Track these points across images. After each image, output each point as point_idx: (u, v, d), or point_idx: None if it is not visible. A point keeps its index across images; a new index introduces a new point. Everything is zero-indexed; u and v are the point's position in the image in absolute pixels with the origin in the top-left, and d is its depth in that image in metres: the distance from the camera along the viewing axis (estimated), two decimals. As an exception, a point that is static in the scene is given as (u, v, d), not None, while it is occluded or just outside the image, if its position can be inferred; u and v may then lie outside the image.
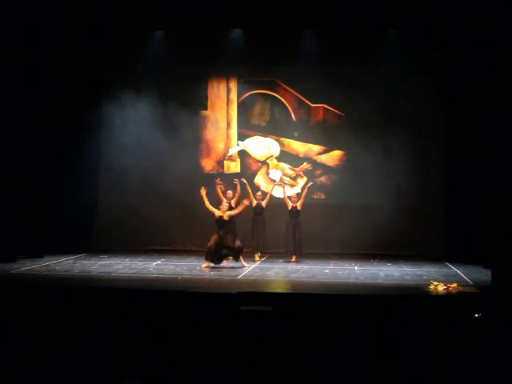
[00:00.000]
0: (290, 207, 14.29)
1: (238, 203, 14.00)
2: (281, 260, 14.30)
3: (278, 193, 15.21)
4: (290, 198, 14.44)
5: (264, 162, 16.26)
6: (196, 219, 15.70)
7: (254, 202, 14.47)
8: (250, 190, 14.53)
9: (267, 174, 16.18)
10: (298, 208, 14.25)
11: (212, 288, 11.01)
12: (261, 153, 16.26)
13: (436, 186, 15.39)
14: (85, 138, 15.44)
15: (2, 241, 13.56)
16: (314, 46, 15.54)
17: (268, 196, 14.61)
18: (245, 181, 14.73)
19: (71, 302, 9.73)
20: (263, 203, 14.47)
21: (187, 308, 9.45)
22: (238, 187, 14.31)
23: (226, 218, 13.21)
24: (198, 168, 16.28)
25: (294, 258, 14.23)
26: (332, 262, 14.24)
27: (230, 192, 14.44)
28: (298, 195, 14.56)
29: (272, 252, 14.69)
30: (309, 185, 14.53)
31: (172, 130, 15.58)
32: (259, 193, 14.77)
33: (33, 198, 14.29)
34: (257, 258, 14.42)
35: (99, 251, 15.31)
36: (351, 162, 15.82)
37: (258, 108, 16.31)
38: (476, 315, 9.11)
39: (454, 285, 11.09)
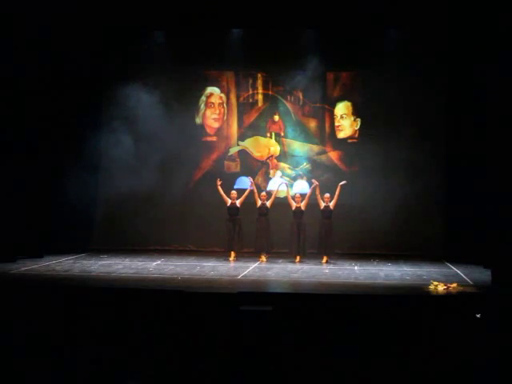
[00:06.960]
0: (293, 207, 14.26)
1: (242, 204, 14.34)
2: (281, 260, 14.28)
3: (280, 193, 15.11)
4: (293, 198, 14.40)
5: (264, 162, 16.25)
6: (196, 219, 15.73)
7: (259, 203, 14.44)
8: (255, 190, 14.51)
9: (267, 174, 16.16)
10: (302, 208, 14.22)
11: (212, 288, 11.00)
12: (261, 153, 16.26)
13: (436, 186, 15.38)
14: (85, 137, 15.40)
15: (2, 241, 13.55)
16: (314, 46, 15.53)
17: (272, 197, 14.55)
18: (250, 180, 14.70)
19: (71, 301, 9.73)
20: (267, 203, 14.43)
21: (187, 308, 9.45)
22: (252, 191, 14.35)
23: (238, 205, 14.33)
24: (198, 168, 16.27)
25: (297, 259, 14.20)
26: (332, 261, 14.23)
27: (234, 192, 14.46)
28: (302, 195, 14.51)
29: (276, 252, 14.66)
30: (314, 185, 14.42)
31: (172, 129, 15.55)
32: (263, 193, 14.70)
33: (33, 198, 14.27)
34: (263, 258, 14.36)
35: (99, 251, 15.30)
36: (351, 162, 15.81)
37: (258, 108, 16.30)
38: (476, 315, 9.12)
39: (454, 285, 11.08)
